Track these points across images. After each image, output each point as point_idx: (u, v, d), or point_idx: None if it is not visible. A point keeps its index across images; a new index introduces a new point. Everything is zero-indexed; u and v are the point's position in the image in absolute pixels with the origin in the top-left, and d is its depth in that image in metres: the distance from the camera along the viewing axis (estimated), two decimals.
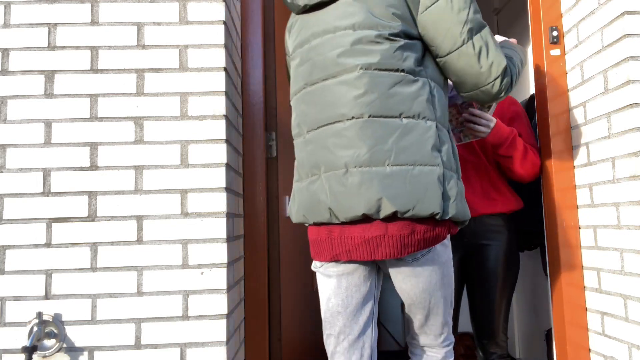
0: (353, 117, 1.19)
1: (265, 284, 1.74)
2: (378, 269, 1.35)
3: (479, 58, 1.23)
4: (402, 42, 1.21)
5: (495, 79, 1.25)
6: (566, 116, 1.81)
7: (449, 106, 1.58)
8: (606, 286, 1.62)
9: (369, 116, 1.17)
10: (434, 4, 1.22)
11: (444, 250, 1.27)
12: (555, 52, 1.83)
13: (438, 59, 1.27)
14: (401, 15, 1.23)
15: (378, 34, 1.20)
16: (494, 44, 1.26)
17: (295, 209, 1.32)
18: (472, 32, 1.23)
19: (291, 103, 1.38)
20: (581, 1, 1.72)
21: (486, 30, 1.25)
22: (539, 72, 1.87)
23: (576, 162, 1.78)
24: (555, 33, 1.83)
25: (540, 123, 1.87)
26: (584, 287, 1.74)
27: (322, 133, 1.23)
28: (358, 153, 1.17)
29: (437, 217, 1.16)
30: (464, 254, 1.89)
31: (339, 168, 1.19)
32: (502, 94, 1.28)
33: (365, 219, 1.18)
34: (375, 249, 1.18)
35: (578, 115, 1.76)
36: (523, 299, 3.11)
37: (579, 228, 1.76)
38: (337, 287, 1.29)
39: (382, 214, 1.15)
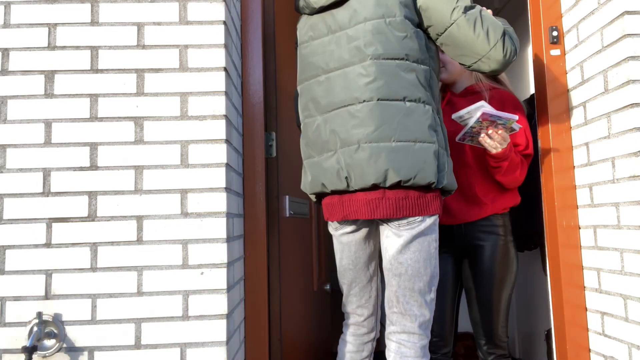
0: (364, 101, 1.37)
1: (265, 284, 1.74)
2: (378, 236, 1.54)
3: (474, 28, 1.37)
4: (407, 31, 1.38)
5: (496, 43, 1.38)
6: (566, 116, 1.81)
7: (483, 120, 1.63)
8: (606, 286, 1.62)
9: (378, 99, 1.36)
10: None
11: (432, 228, 1.41)
12: (555, 52, 1.83)
13: (437, 38, 1.42)
14: (405, 2, 1.39)
15: (385, 24, 1.37)
16: (488, 16, 1.42)
17: (310, 180, 1.50)
18: (466, 8, 1.39)
19: (299, 87, 1.56)
20: (581, 1, 1.72)
21: (478, 7, 1.42)
22: (539, 72, 1.87)
23: (576, 162, 1.78)
24: (555, 33, 1.83)
25: (540, 123, 1.87)
26: (584, 287, 1.74)
27: (337, 114, 1.41)
28: (368, 131, 1.35)
29: (433, 185, 1.36)
30: (458, 256, 1.91)
31: (352, 144, 1.38)
32: (509, 56, 1.40)
33: (376, 186, 1.36)
34: (375, 209, 1.37)
35: (578, 115, 1.76)
36: (523, 299, 3.11)
37: (579, 228, 1.76)
38: (348, 250, 1.52)
39: (388, 183, 1.34)
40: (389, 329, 1.44)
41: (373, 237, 1.53)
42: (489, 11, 1.60)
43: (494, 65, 1.41)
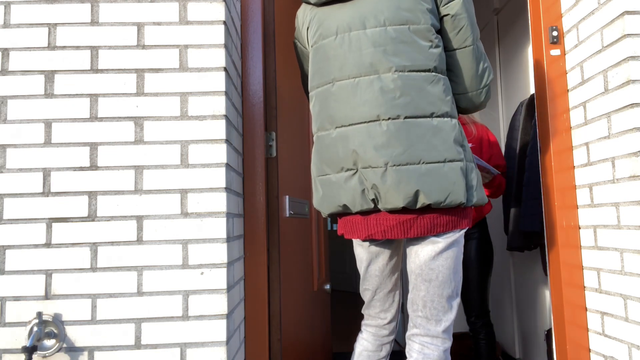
0: (390, 118, 1.29)
1: (265, 284, 1.74)
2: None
3: (478, 62, 1.35)
4: (432, 39, 1.31)
5: (484, 87, 1.38)
6: (566, 116, 1.81)
7: None
8: (606, 286, 1.62)
9: (405, 117, 1.28)
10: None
11: (462, 239, 1.40)
12: (555, 52, 1.83)
13: (447, 52, 1.37)
14: (430, 9, 1.32)
15: (409, 32, 1.29)
16: (487, 59, 1.40)
17: (325, 199, 1.43)
18: (478, 37, 1.36)
19: (312, 94, 1.46)
20: (581, 1, 1.72)
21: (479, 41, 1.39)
22: (539, 72, 1.87)
23: (576, 162, 1.78)
24: (555, 33, 1.83)
25: (540, 123, 1.87)
26: (584, 287, 1.74)
27: (357, 130, 1.32)
28: (396, 152, 1.28)
29: (463, 205, 1.32)
30: None
31: (378, 166, 1.29)
32: (483, 104, 1.41)
33: (402, 209, 1.32)
34: (409, 229, 1.33)
35: (578, 115, 1.76)
36: (523, 299, 3.11)
37: (579, 228, 1.76)
38: (374, 259, 1.49)
39: (418, 206, 1.29)
40: (412, 330, 1.42)
41: (396, 249, 1.52)
42: None
43: (470, 105, 1.40)
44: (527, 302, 3.04)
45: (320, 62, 1.41)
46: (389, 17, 1.29)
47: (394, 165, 1.28)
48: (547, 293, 1.84)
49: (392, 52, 1.28)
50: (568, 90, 1.82)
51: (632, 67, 1.47)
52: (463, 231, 1.39)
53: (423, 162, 1.27)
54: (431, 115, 1.29)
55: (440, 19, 1.35)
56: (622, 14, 1.50)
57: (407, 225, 1.32)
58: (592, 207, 1.69)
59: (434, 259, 1.35)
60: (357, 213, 1.39)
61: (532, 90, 2.78)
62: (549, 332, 2.45)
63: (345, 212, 1.41)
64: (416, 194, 1.27)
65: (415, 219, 1.31)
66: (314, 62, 1.44)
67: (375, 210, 1.35)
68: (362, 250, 1.52)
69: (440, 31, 1.36)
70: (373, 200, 1.33)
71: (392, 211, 1.32)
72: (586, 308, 1.73)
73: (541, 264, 2.71)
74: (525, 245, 2.60)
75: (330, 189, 1.40)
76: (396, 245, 1.51)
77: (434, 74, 1.30)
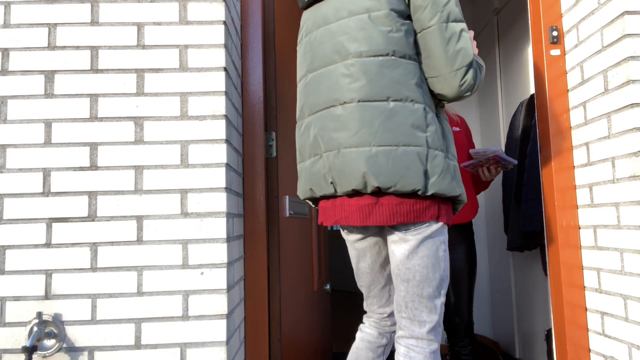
0: (345, 102, 1.32)
1: (265, 284, 1.74)
2: None
3: (448, 42, 1.30)
4: (391, 24, 1.31)
5: (458, 69, 1.30)
6: (566, 116, 1.81)
7: (492, 159, 2.05)
8: (606, 286, 1.62)
9: (359, 101, 1.30)
10: None
11: (440, 231, 1.35)
12: (555, 52, 1.83)
13: (417, 33, 1.34)
14: None
15: (369, 19, 1.31)
16: (468, 40, 1.32)
17: (302, 186, 1.46)
18: (449, 18, 1.31)
19: (297, 89, 1.52)
20: (581, 1, 1.72)
21: (463, 25, 1.33)
22: (539, 72, 1.87)
23: (576, 162, 1.78)
24: (555, 33, 1.83)
25: (540, 123, 1.87)
26: (584, 287, 1.74)
27: (321, 116, 1.37)
28: (347, 135, 1.30)
29: (419, 192, 1.27)
30: None
31: (333, 149, 1.33)
32: (464, 88, 1.32)
33: (360, 192, 1.31)
34: (367, 216, 1.31)
35: (578, 115, 1.76)
36: (523, 299, 3.11)
37: (579, 228, 1.76)
38: (363, 255, 1.50)
39: (369, 189, 1.29)
40: (398, 333, 1.39)
41: (384, 243, 1.49)
42: (471, 33, 1.62)
43: (447, 90, 1.32)
44: (527, 302, 3.04)
45: (300, 58, 1.48)
46: (352, 9, 1.34)
47: (345, 147, 1.30)
48: (547, 293, 1.84)
49: (352, 39, 1.32)
50: (568, 90, 1.82)
51: (632, 67, 1.47)
52: (434, 226, 1.32)
53: (373, 145, 1.27)
54: (387, 99, 1.29)
55: (409, 3, 1.35)
56: (622, 14, 1.50)
57: (366, 212, 1.31)
58: (592, 207, 1.69)
59: (408, 258, 1.33)
60: (322, 198, 1.43)
61: (532, 90, 2.78)
62: (549, 332, 2.45)
63: (313, 196, 1.44)
64: (364, 176, 1.27)
65: (374, 205, 1.30)
66: (298, 60, 1.51)
67: (342, 195, 1.36)
68: (350, 248, 1.54)
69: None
70: (332, 183, 1.35)
71: (352, 196, 1.33)
72: (586, 308, 1.73)
73: (541, 264, 2.71)
74: (525, 245, 2.60)
75: (303, 174, 1.45)
76: (380, 240, 1.48)
77: (392, 57, 1.30)
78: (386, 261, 1.50)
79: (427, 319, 1.34)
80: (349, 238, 1.51)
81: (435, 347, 1.35)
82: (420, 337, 1.34)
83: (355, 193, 1.32)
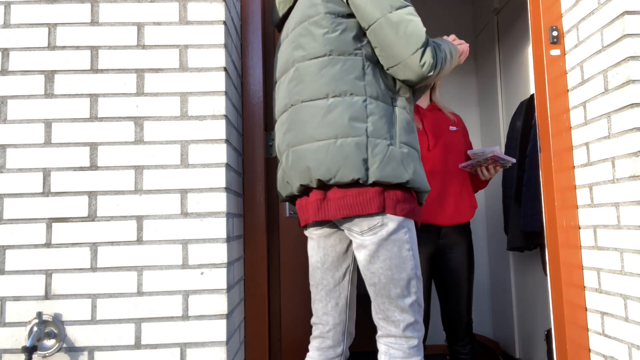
0: (292, 105, 1.39)
1: (265, 284, 1.74)
2: None
3: (397, 29, 1.31)
4: (327, 26, 1.35)
5: (416, 51, 1.31)
6: (566, 116, 1.81)
7: (490, 158, 2.05)
8: (606, 286, 1.62)
9: (302, 102, 1.36)
10: None
11: (399, 230, 1.32)
12: (555, 52, 1.83)
13: (365, 30, 1.36)
14: None
15: (308, 25, 1.38)
16: (417, 23, 1.33)
17: (278, 188, 1.53)
18: (392, 7, 1.32)
19: None
20: (581, 1, 1.72)
21: (408, 9, 1.34)
22: (539, 72, 1.87)
23: (576, 162, 1.78)
24: (555, 33, 1.83)
25: (540, 123, 1.87)
26: (584, 287, 1.74)
27: (280, 122, 1.45)
28: (291, 135, 1.38)
29: (360, 181, 1.28)
30: (434, 253, 2.16)
31: (286, 149, 1.40)
32: (425, 68, 1.32)
33: (314, 188, 1.35)
34: (317, 210, 1.35)
35: (578, 115, 1.76)
36: (523, 299, 3.11)
37: (579, 228, 1.76)
38: (317, 247, 1.48)
39: (314, 184, 1.33)
40: (377, 333, 1.41)
41: (343, 238, 1.46)
42: (452, 37, 1.64)
43: (410, 74, 1.32)
44: (527, 302, 3.04)
45: (274, 69, 1.58)
46: (298, 19, 1.41)
47: (294, 146, 1.37)
48: (547, 293, 1.84)
49: (297, 47, 1.40)
50: (568, 90, 1.82)
51: (632, 67, 1.47)
52: (391, 225, 1.30)
53: (315, 140, 1.32)
54: (327, 96, 1.33)
55: (347, 3, 1.37)
56: (622, 14, 1.50)
57: (317, 206, 1.35)
58: (592, 207, 1.69)
59: (370, 262, 1.32)
60: (293, 198, 1.49)
61: (532, 91, 2.78)
62: (549, 332, 2.45)
63: (285, 199, 1.51)
64: (308, 171, 1.32)
65: (323, 200, 1.34)
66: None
67: (307, 195, 1.40)
68: (308, 240, 1.52)
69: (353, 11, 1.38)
70: (288, 183, 1.41)
71: (306, 192, 1.39)
72: (586, 308, 1.73)
73: (541, 264, 2.71)
74: (525, 245, 2.60)
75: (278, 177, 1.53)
76: (337, 234, 1.45)
77: (330, 57, 1.34)
78: (340, 260, 1.46)
79: (400, 318, 1.34)
80: (310, 234, 1.50)
81: (414, 343, 1.35)
82: (398, 335, 1.35)
83: (307, 190, 1.37)
